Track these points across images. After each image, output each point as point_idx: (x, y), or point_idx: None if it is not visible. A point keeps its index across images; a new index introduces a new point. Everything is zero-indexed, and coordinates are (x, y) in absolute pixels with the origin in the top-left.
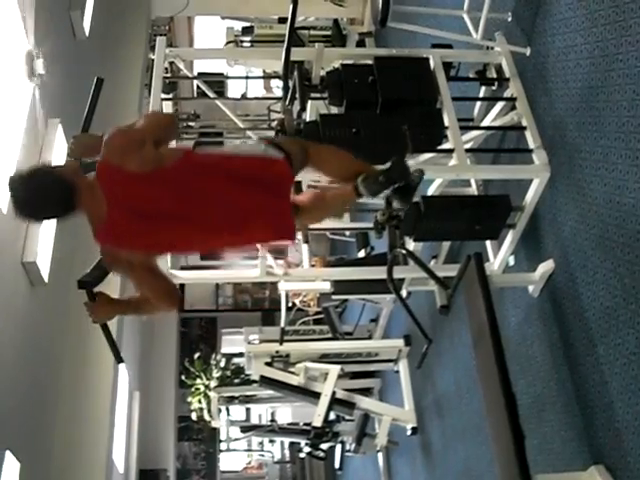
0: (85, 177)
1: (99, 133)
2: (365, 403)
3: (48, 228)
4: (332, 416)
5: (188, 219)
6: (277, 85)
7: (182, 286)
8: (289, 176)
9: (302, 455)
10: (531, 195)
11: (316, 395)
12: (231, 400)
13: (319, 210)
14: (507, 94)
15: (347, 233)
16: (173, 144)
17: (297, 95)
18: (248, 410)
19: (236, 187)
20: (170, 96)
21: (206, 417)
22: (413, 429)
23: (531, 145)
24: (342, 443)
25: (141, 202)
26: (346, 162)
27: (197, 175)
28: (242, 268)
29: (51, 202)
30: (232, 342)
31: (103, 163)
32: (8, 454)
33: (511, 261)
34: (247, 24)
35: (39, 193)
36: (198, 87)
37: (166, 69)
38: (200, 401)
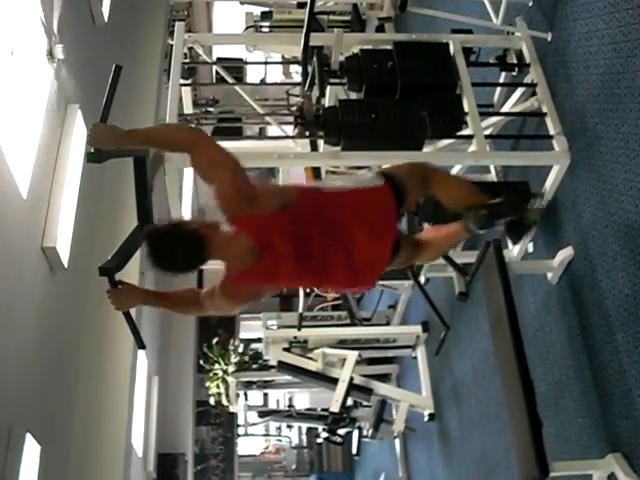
0: (221, 232)
1: (118, 125)
2: (383, 389)
3: (68, 213)
4: (350, 402)
5: (328, 254)
6: (296, 70)
7: (201, 272)
8: (389, 206)
9: (319, 440)
10: (551, 182)
11: (334, 381)
12: (249, 385)
13: (436, 249)
14: (527, 80)
15: None
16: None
17: (316, 80)
18: (266, 395)
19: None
20: (189, 82)
21: (224, 402)
22: (430, 415)
23: (551, 131)
24: (359, 429)
25: (292, 236)
26: (466, 195)
27: (321, 211)
28: None
29: (187, 258)
30: (250, 327)
31: (238, 219)
32: (29, 437)
33: (530, 248)
34: (266, 9)
35: (177, 250)
36: (217, 72)
37: (185, 54)
38: (218, 386)
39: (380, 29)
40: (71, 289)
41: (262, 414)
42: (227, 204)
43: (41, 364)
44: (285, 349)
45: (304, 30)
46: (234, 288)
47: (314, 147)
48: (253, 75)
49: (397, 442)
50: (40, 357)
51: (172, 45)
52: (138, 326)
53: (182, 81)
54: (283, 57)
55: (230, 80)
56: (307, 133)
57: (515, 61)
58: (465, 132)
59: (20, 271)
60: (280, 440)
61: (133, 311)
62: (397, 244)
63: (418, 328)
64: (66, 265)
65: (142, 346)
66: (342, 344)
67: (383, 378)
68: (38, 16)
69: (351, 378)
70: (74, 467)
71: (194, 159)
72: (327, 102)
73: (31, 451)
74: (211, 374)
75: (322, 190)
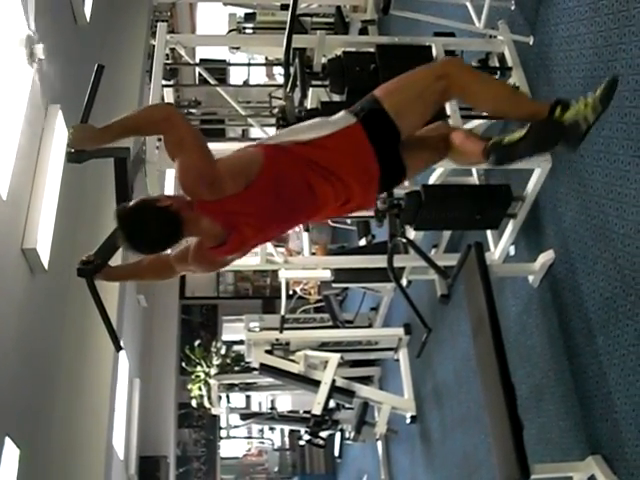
0: (188, 207)
1: (98, 124)
2: (365, 391)
3: (49, 214)
4: (332, 404)
5: (295, 209)
6: (279, 72)
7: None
8: (361, 140)
9: (302, 443)
10: (532, 185)
11: (316, 383)
12: (231, 387)
13: (456, 159)
14: (509, 83)
15: (348, 221)
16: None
17: (298, 82)
18: (248, 398)
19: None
20: (171, 83)
21: (206, 404)
22: (412, 418)
23: None
24: (342, 431)
25: (254, 212)
26: (501, 99)
27: (286, 170)
28: None
29: (163, 235)
30: (233, 329)
31: (202, 204)
32: (7, 440)
33: (511, 251)
34: (249, 10)
35: (151, 230)
36: (200, 74)
37: (167, 55)
38: (200, 388)
39: (363, 32)
40: (52, 291)
41: (244, 416)
42: (188, 188)
43: (20, 367)
44: (267, 351)
45: (286, 32)
46: (207, 257)
47: None
48: (236, 76)
49: (379, 444)
50: (19, 360)
51: (154, 46)
52: (119, 328)
53: (164, 82)
54: (266, 59)
55: (213, 82)
56: None
57: (497, 64)
58: None
59: None
60: (262, 442)
61: (114, 313)
62: (398, 163)
63: (400, 330)
64: (46, 267)
65: (119, 348)
66: (324, 346)
67: (365, 380)
68: (19, 15)
69: (333, 380)
70: (54, 471)
71: (163, 139)
72: (309, 104)
73: (10, 455)
74: (193, 376)
75: (294, 145)
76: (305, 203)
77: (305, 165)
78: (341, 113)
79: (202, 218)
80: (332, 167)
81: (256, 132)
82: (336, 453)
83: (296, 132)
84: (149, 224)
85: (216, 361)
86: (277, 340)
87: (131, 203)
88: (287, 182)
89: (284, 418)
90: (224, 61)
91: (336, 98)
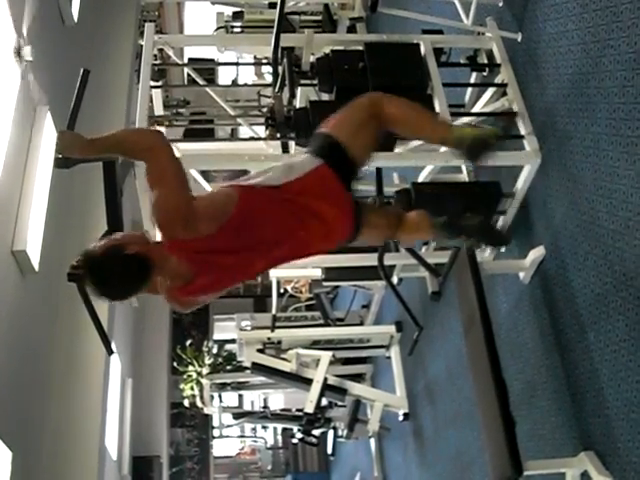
0: (156, 248)
1: (85, 133)
2: (357, 389)
3: (38, 216)
4: (324, 402)
5: (267, 248)
6: (268, 71)
7: None
8: (332, 178)
9: (295, 441)
10: (522, 181)
11: (308, 381)
12: (223, 387)
13: (407, 238)
14: (498, 80)
15: None
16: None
17: (287, 82)
18: (241, 397)
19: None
20: (159, 83)
21: (199, 404)
22: (405, 415)
23: (522, 131)
24: (334, 429)
25: (225, 253)
26: (424, 125)
27: (260, 211)
28: None
29: (135, 285)
30: (224, 328)
31: (172, 242)
32: None
33: (502, 248)
34: (237, 9)
35: (119, 281)
36: (188, 74)
37: (156, 56)
38: (192, 388)
39: (351, 29)
40: (43, 293)
41: (237, 415)
42: (161, 224)
43: (12, 369)
44: (259, 350)
45: (274, 31)
46: (174, 297)
47: (285, 148)
48: (225, 76)
49: (372, 442)
50: (11, 362)
51: (142, 46)
52: (110, 328)
53: (153, 82)
54: (255, 58)
55: (201, 82)
56: (278, 134)
57: (486, 61)
58: None
59: None
60: (255, 441)
61: (104, 314)
62: (358, 216)
63: (392, 328)
64: (37, 268)
65: (110, 352)
66: (316, 345)
67: (357, 378)
68: (5, 17)
69: (325, 378)
70: (47, 472)
71: (145, 167)
72: (298, 103)
73: (2, 458)
74: (185, 376)
75: (267, 188)
76: (277, 244)
77: (279, 206)
78: (304, 156)
79: (169, 257)
80: (307, 207)
81: (245, 131)
82: (329, 451)
83: (266, 174)
84: (117, 276)
85: (208, 360)
86: (269, 339)
87: (100, 249)
88: (260, 222)
89: (277, 416)
90: (213, 60)
91: (325, 97)
